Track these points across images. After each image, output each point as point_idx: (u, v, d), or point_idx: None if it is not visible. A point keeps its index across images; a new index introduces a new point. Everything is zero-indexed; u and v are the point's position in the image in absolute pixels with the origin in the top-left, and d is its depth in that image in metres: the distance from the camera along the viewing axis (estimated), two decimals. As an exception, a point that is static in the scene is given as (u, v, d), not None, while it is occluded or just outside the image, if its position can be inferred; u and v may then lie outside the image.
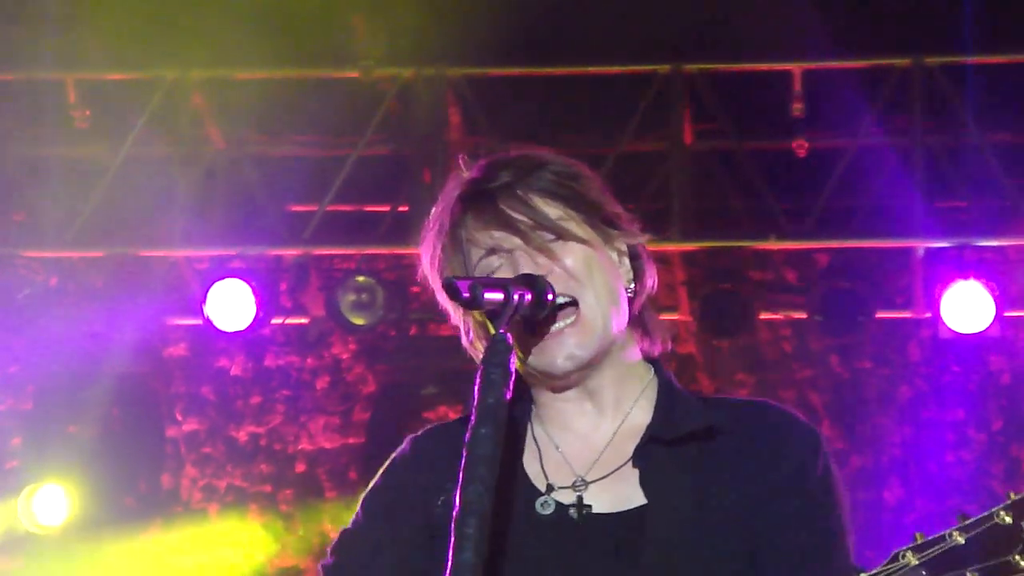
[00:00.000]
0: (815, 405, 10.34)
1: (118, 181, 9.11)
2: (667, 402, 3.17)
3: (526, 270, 3.06)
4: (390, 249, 9.20)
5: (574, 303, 3.07)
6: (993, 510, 2.66)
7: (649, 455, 3.10)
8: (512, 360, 2.85)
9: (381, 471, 3.24)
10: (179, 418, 10.71)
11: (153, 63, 9.06)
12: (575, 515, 3.07)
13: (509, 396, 2.82)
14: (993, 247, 9.00)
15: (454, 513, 2.69)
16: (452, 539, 2.66)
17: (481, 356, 3.08)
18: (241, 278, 9.03)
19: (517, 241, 3.10)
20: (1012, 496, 2.67)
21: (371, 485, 3.24)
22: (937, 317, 8.83)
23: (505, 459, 2.78)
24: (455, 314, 3.12)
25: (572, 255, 3.10)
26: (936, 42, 8.78)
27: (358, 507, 3.23)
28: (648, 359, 3.23)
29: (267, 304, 9.07)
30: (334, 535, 3.28)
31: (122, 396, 9.93)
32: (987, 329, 8.78)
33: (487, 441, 2.75)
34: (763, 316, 9.45)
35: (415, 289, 9.28)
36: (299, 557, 10.50)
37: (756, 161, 9.10)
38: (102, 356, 9.52)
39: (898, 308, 9.42)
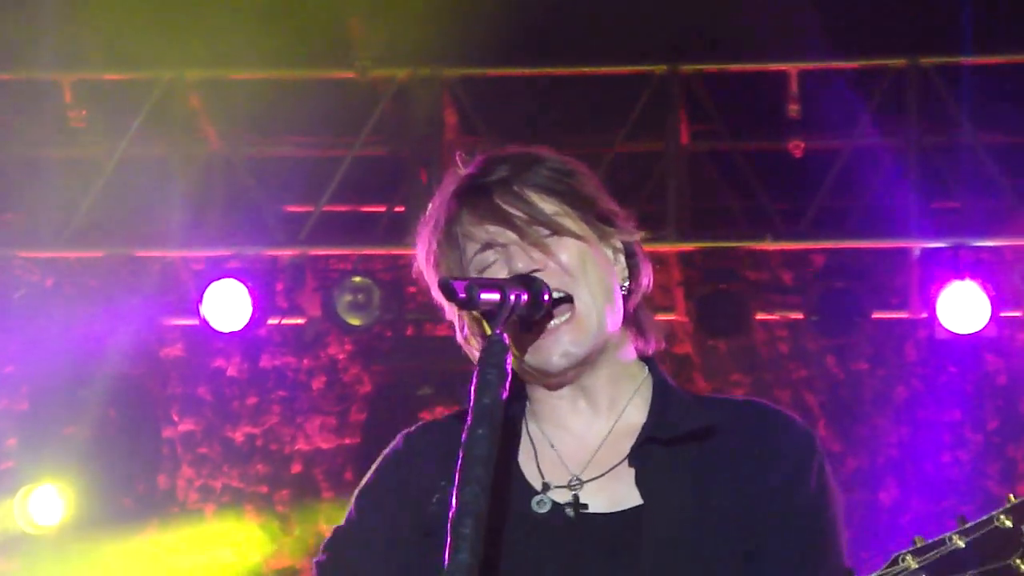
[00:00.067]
0: (811, 406, 10.34)
1: (114, 181, 9.10)
2: (662, 401, 3.17)
3: (521, 265, 3.06)
4: (386, 250, 9.20)
5: (569, 299, 3.07)
6: (993, 514, 2.66)
7: (645, 455, 3.10)
8: (508, 360, 2.85)
9: (374, 467, 3.24)
10: (175, 418, 10.70)
11: (149, 63, 9.05)
12: (571, 514, 3.07)
13: (505, 396, 2.82)
14: (989, 247, 9.00)
15: (451, 513, 2.69)
16: (448, 539, 2.66)
17: (475, 353, 3.09)
18: (237, 278, 9.02)
19: (512, 236, 3.10)
20: (1012, 499, 2.67)
21: (364, 481, 3.24)
22: (933, 317, 8.84)
23: (500, 457, 2.79)
24: (449, 310, 3.12)
25: (567, 251, 3.10)
26: (931, 43, 8.79)
27: (351, 503, 3.23)
28: (643, 358, 3.23)
29: (263, 304, 9.06)
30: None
31: (118, 396, 9.93)
32: (983, 329, 8.78)
33: (483, 442, 2.75)
34: (759, 316, 9.45)
35: (411, 289, 9.28)
36: (295, 557, 10.50)
37: (752, 161, 9.10)
38: (98, 356, 9.52)
39: (894, 308, 9.42)
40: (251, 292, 8.99)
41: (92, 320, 9.32)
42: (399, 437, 3.25)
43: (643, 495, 3.06)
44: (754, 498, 3.06)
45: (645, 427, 3.13)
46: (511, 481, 3.07)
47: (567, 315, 3.07)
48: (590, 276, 3.10)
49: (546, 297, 3.02)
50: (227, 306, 9.01)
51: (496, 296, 2.95)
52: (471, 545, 2.64)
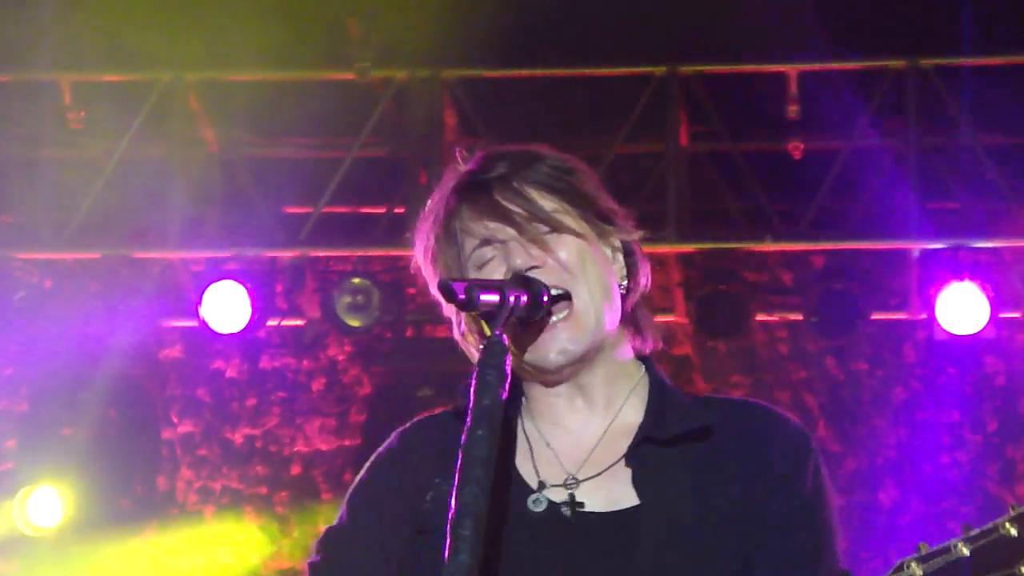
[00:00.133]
0: (811, 407, 10.34)
1: (113, 182, 9.10)
2: (659, 401, 3.17)
3: (519, 261, 3.06)
4: (386, 251, 9.19)
5: (567, 297, 3.07)
6: (998, 521, 2.66)
7: (642, 455, 3.10)
8: (508, 362, 2.85)
9: (368, 465, 3.23)
10: (175, 420, 10.70)
11: (149, 64, 9.05)
12: (567, 513, 3.06)
13: (505, 397, 2.82)
14: (988, 248, 8.99)
15: (450, 514, 2.68)
16: (448, 540, 2.65)
17: (472, 350, 3.09)
18: (237, 280, 9.02)
19: (511, 232, 3.09)
20: (1017, 508, 2.66)
21: (357, 480, 3.24)
22: (932, 318, 8.84)
23: (496, 456, 2.78)
24: (447, 307, 3.11)
25: (566, 248, 3.10)
26: (931, 44, 8.79)
27: (344, 502, 3.23)
28: (640, 357, 3.22)
29: (263, 306, 9.06)
30: (328, 536, 3.27)
31: (117, 398, 9.92)
32: (982, 331, 8.78)
33: (483, 442, 2.75)
34: (759, 318, 9.45)
35: (411, 291, 9.28)
36: (295, 559, 10.49)
37: (752, 163, 9.10)
38: (97, 358, 9.51)
39: (893, 310, 9.42)
40: (250, 293, 8.99)
41: (91, 321, 9.32)
42: (394, 435, 3.25)
43: (640, 495, 3.06)
44: (750, 498, 3.06)
45: (642, 427, 3.13)
46: (506, 479, 3.07)
47: (565, 312, 3.07)
48: (589, 274, 3.10)
49: (545, 298, 3.02)
50: (226, 307, 9.01)
51: (495, 297, 2.95)
52: (471, 546, 2.64)
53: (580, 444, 3.14)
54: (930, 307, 8.83)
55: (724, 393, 9.87)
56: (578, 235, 3.12)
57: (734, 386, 10.34)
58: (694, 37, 8.84)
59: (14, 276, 9.28)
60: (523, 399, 3.19)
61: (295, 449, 10.68)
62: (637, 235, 3.22)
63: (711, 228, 9.24)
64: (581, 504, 3.06)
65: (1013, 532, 2.64)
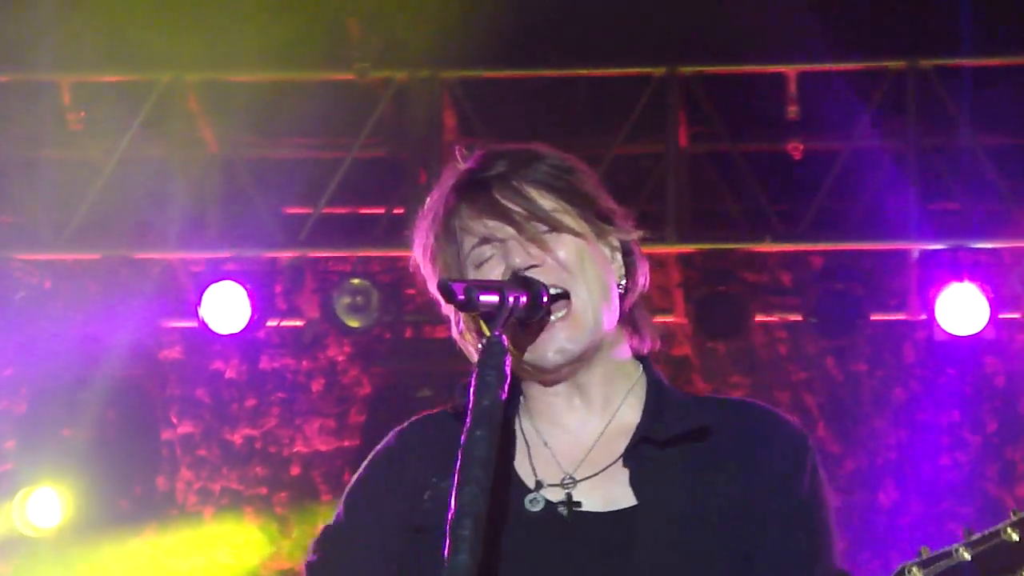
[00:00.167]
0: (810, 407, 10.34)
1: (113, 183, 9.09)
2: (656, 401, 3.17)
3: (518, 260, 3.06)
4: (385, 251, 9.19)
5: (566, 296, 3.07)
6: (999, 526, 2.66)
7: (640, 455, 3.10)
8: (507, 362, 2.85)
9: (365, 464, 3.23)
10: (174, 421, 10.70)
11: (148, 65, 9.05)
12: (564, 513, 3.06)
13: (504, 397, 2.82)
14: (988, 249, 8.99)
15: (450, 514, 2.68)
16: (447, 540, 2.65)
17: (470, 348, 3.09)
18: (236, 280, 9.02)
19: (510, 231, 3.09)
20: (1019, 513, 2.66)
21: (354, 479, 3.24)
22: (932, 319, 8.84)
23: (495, 455, 2.78)
24: (445, 305, 3.10)
25: (565, 247, 3.10)
26: (931, 44, 8.79)
27: (340, 502, 3.22)
28: (637, 357, 3.22)
29: (262, 306, 9.06)
30: (326, 536, 3.27)
31: (117, 399, 9.91)
32: (982, 331, 8.78)
33: (482, 443, 2.75)
34: (758, 318, 9.45)
35: (410, 291, 9.28)
36: (294, 560, 10.49)
37: (751, 163, 9.10)
38: (97, 358, 9.50)
39: (893, 310, 9.42)
40: (250, 294, 8.99)
41: (91, 322, 9.32)
42: (391, 434, 3.25)
43: (637, 495, 3.06)
44: (748, 499, 3.06)
45: (640, 427, 3.13)
46: (504, 479, 3.06)
47: (564, 312, 3.08)
48: (588, 273, 3.10)
49: (545, 299, 3.02)
50: (226, 308, 9.01)
51: (495, 298, 2.95)
52: (470, 546, 2.64)
53: (578, 444, 3.14)
54: (930, 308, 8.83)
55: (724, 394, 9.87)
56: (577, 234, 3.12)
57: (734, 387, 10.34)
58: (694, 37, 8.84)
59: (14, 276, 9.28)
60: (521, 398, 3.19)
61: (295, 450, 10.68)
62: (636, 235, 3.22)
63: (711, 229, 9.24)
64: (578, 504, 3.06)
65: (1015, 537, 2.64)
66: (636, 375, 3.20)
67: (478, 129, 8.90)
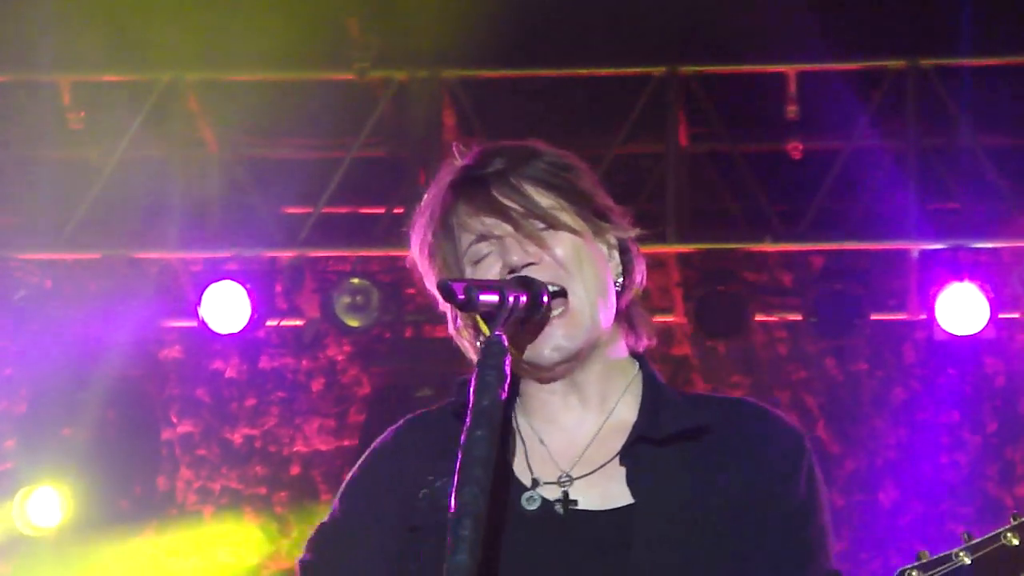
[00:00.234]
0: (810, 407, 10.34)
1: (113, 183, 9.10)
2: (653, 399, 3.17)
3: (516, 258, 3.06)
4: (385, 251, 9.19)
5: (563, 293, 3.06)
6: (999, 531, 2.66)
7: (637, 454, 3.10)
8: (507, 362, 2.85)
9: (360, 462, 3.23)
10: (174, 420, 10.70)
11: (148, 65, 9.05)
12: (561, 511, 3.06)
13: (504, 397, 2.82)
14: (988, 249, 8.99)
15: (450, 514, 2.68)
16: (448, 540, 2.65)
17: (466, 344, 3.09)
18: (236, 280, 9.02)
19: (508, 228, 3.09)
20: (1018, 517, 2.66)
21: (349, 477, 3.23)
22: (932, 319, 8.83)
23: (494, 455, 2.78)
24: (442, 302, 3.10)
25: (562, 245, 3.10)
26: (931, 44, 8.78)
27: (335, 500, 3.22)
28: (634, 355, 3.22)
29: (262, 306, 9.06)
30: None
31: (117, 398, 9.91)
32: (982, 331, 8.78)
33: (482, 443, 2.75)
34: (758, 318, 9.45)
35: (410, 291, 9.28)
36: (294, 559, 10.47)
37: (751, 163, 9.10)
38: (97, 358, 9.50)
39: (893, 310, 9.42)
40: (250, 294, 8.99)
41: (90, 322, 9.32)
42: (387, 432, 3.24)
43: (634, 494, 3.06)
44: (745, 498, 3.06)
45: (636, 426, 3.13)
46: (501, 478, 3.06)
47: (561, 309, 3.07)
48: (585, 271, 3.10)
49: (545, 299, 3.02)
50: (226, 308, 9.01)
51: (495, 298, 2.95)
52: (470, 546, 2.63)
53: (574, 442, 3.14)
54: (930, 307, 8.83)
55: (722, 393, 9.88)
56: (574, 232, 3.12)
57: (733, 386, 10.33)
58: (693, 37, 8.83)
59: (14, 276, 9.28)
60: (517, 397, 3.18)
61: (294, 449, 10.68)
62: (633, 232, 3.22)
63: (710, 228, 9.23)
64: (575, 502, 3.06)
65: (1015, 541, 2.64)
66: (632, 373, 3.20)
67: (478, 129, 8.90)
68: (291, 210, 9.43)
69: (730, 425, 3.14)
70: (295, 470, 10.67)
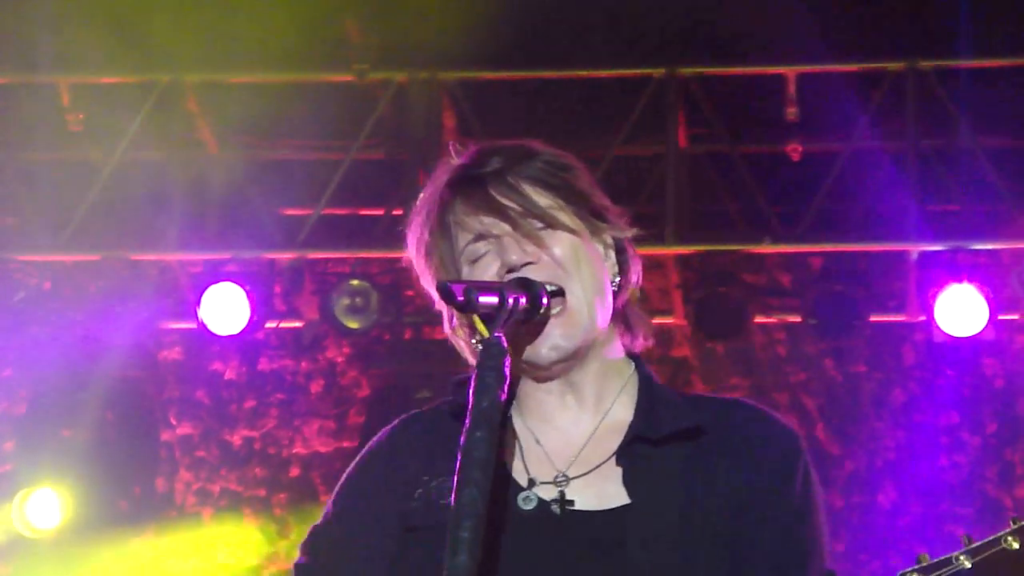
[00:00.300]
0: (809, 408, 10.34)
1: (112, 184, 9.09)
2: (649, 400, 3.17)
3: (514, 257, 3.05)
4: (384, 253, 9.18)
5: (560, 293, 3.06)
6: (1000, 534, 2.66)
7: (633, 454, 3.10)
8: (507, 363, 2.84)
9: (355, 463, 3.22)
10: (173, 422, 10.69)
11: (148, 65, 9.05)
12: (557, 511, 3.06)
13: (503, 398, 2.82)
14: (987, 250, 8.99)
15: (449, 515, 2.68)
16: (447, 541, 2.65)
17: (462, 343, 3.09)
18: (235, 282, 9.02)
19: (506, 227, 3.09)
20: (1018, 521, 2.66)
21: (343, 478, 3.23)
22: (931, 320, 8.83)
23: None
24: (438, 301, 3.10)
25: (560, 244, 3.09)
26: (930, 46, 8.79)
27: (330, 500, 3.22)
28: (630, 355, 3.22)
29: (261, 308, 9.06)
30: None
31: (116, 400, 9.91)
32: (981, 332, 8.78)
33: (482, 444, 2.74)
34: (757, 319, 9.44)
35: (409, 293, 9.28)
36: (293, 561, 10.48)
37: (750, 164, 9.10)
38: (96, 360, 9.50)
39: (892, 311, 9.42)
40: (249, 295, 8.99)
41: (90, 323, 9.32)
42: (382, 432, 3.24)
43: (630, 494, 3.05)
44: (741, 499, 3.06)
45: (632, 426, 3.13)
46: (498, 478, 3.06)
47: (558, 308, 3.07)
48: (583, 270, 3.10)
49: (545, 299, 3.02)
50: (225, 309, 9.01)
51: (495, 299, 2.94)
52: (470, 548, 2.63)
53: (570, 442, 3.13)
54: (929, 309, 8.83)
55: (720, 394, 9.87)
56: (572, 231, 3.11)
57: (733, 388, 10.34)
58: (693, 38, 8.84)
59: (13, 278, 9.28)
60: (514, 397, 3.18)
61: (293, 451, 10.68)
62: (630, 232, 3.22)
63: (709, 230, 9.23)
64: (571, 502, 3.06)
65: (1015, 545, 2.64)
66: (628, 373, 3.20)
67: (477, 130, 8.90)
68: (290, 211, 9.43)
69: (726, 426, 3.14)
70: (294, 472, 10.67)
